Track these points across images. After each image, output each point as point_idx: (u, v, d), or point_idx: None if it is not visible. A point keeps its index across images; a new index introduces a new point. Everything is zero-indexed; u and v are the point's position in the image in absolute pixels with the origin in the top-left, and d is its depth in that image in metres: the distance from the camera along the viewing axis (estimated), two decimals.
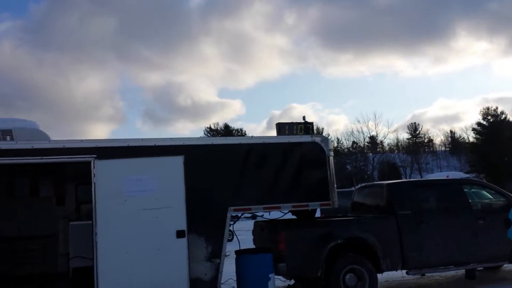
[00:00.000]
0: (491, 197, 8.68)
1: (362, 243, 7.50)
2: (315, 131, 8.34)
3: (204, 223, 6.71)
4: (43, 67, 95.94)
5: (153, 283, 6.31)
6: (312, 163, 7.38)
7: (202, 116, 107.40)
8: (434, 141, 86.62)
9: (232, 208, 6.90)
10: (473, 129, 60.07)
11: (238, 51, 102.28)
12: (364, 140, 63.44)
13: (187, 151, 6.82)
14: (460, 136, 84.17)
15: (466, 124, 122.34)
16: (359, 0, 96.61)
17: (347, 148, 64.42)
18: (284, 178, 7.25)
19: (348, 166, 62.07)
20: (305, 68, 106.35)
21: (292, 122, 8.04)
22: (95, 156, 6.54)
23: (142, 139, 6.83)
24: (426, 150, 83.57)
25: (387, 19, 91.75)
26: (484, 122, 57.18)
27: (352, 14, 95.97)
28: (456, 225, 7.98)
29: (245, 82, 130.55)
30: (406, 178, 66.01)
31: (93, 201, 6.42)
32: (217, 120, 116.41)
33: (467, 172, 58.62)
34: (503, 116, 56.65)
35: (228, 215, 6.84)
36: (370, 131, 62.42)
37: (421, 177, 62.91)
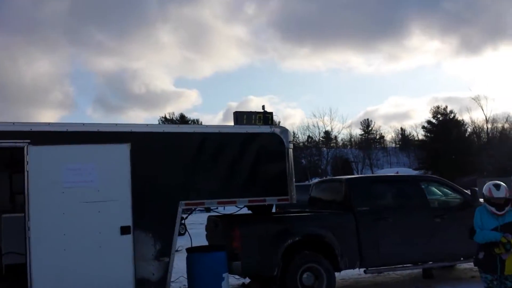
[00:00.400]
0: (448, 194, 8.58)
1: (319, 240, 7.18)
2: (274, 122, 7.90)
3: (153, 218, 6.14)
4: None
5: (94, 284, 5.69)
6: (271, 155, 6.97)
7: (157, 105, 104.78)
8: (385, 138, 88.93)
9: (183, 202, 6.37)
10: (423, 127, 61.90)
11: (196, 39, 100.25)
12: (319, 134, 64.18)
13: (135, 138, 6.21)
14: (410, 134, 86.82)
15: (415, 122, 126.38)
16: None
17: (303, 142, 64.94)
18: (240, 170, 6.82)
19: (302, 160, 62.58)
20: (263, 60, 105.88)
21: (250, 111, 7.57)
22: (29, 141, 5.81)
23: (84, 123, 6.16)
24: (378, 146, 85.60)
25: (345, 14, 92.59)
26: (434, 121, 59.01)
27: (311, 7, 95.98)
28: (414, 223, 7.82)
29: (202, 72, 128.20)
30: (358, 173, 67.49)
31: (26, 192, 5.71)
32: (172, 109, 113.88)
33: (416, 169, 60.58)
34: (452, 115, 58.68)
35: (179, 209, 6.30)
36: (325, 126, 63.11)
37: (372, 173, 64.40)
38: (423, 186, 8.26)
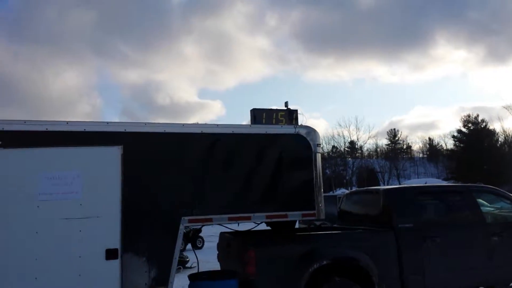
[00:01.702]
0: (506, 207, 7.21)
1: (353, 264, 5.92)
2: (300, 122, 6.67)
3: (147, 239, 5.00)
4: (18, 60, 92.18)
5: None
6: (294, 161, 5.79)
7: (181, 116, 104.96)
8: (412, 148, 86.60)
9: (186, 218, 5.22)
10: (453, 136, 59.75)
11: (219, 51, 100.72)
12: (344, 144, 62.57)
13: (129, 140, 5.12)
14: (438, 144, 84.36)
15: (442, 132, 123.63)
16: (341, 4, 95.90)
17: (327, 152, 63.30)
18: (257, 179, 5.65)
19: (327, 170, 60.97)
20: (287, 71, 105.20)
21: (271, 109, 6.36)
22: (0, 143, 4.79)
23: (67, 122, 5.08)
24: (405, 156, 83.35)
25: (368, 24, 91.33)
26: (465, 130, 56.78)
27: (333, 18, 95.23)
28: (467, 242, 6.54)
29: (225, 83, 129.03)
30: (384, 184, 65.40)
31: None
32: (196, 120, 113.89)
33: (445, 179, 58.31)
34: (484, 124, 56.36)
35: (181, 227, 5.16)
36: (350, 135, 61.42)
37: (399, 183, 62.35)
38: (476, 198, 6.93)
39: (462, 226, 6.61)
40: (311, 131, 6.03)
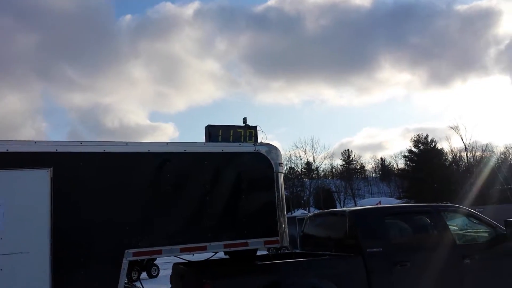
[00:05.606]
0: (475, 228, 6.91)
1: None
2: (260, 139, 6.13)
3: (83, 278, 4.25)
4: None
5: None
6: (255, 182, 5.27)
7: (133, 139, 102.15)
8: (365, 168, 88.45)
9: (130, 251, 4.51)
10: (404, 156, 61.38)
11: (169, 74, 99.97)
12: (301, 165, 62.85)
13: (60, 162, 4.40)
14: (390, 163, 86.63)
15: (390, 152, 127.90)
16: (289, 29, 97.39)
17: (285, 173, 63.38)
18: (213, 204, 5.07)
19: (286, 191, 60.88)
20: (237, 93, 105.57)
21: (228, 125, 5.79)
22: None
23: None
24: (359, 176, 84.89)
25: (316, 48, 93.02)
26: (415, 150, 58.49)
27: (282, 42, 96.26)
28: (438, 266, 6.10)
29: (177, 106, 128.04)
30: (340, 204, 65.95)
31: None
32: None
33: (397, 198, 59.54)
34: (433, 144, 58.28)
35: (125, 262, 4.44)
36: (307, 156, 61.76)
37: (355, 203, 63.13)
38: (445, 218, 6.57)
39: (433, 249, 6.20)
40: (272, 149, 5.51)
